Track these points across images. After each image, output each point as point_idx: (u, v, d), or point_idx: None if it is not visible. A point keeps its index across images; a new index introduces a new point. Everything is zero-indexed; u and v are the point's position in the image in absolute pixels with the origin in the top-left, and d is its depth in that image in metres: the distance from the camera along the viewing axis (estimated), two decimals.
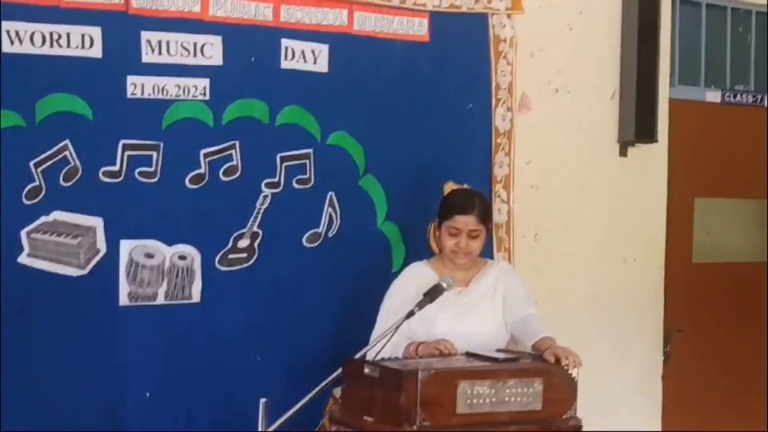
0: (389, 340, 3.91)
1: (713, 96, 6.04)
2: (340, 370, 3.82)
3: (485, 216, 4.29)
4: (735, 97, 6.07)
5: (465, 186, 4.70)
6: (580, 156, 5.44)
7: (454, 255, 4.26)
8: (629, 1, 5.48)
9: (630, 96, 5.47)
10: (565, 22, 5.36)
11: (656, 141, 5.54)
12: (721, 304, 6.04)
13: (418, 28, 4.88)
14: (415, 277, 4.27)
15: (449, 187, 4.75)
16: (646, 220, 5.68)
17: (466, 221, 4.23)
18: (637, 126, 5.46)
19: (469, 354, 3.95)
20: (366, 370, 3.74)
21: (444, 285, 4.03)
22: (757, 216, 6.25)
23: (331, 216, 4.69)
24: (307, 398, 3.74)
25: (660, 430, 5.81)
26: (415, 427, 3.56)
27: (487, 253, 4.85)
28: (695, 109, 5.93)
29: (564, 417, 3.79)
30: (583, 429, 3.85)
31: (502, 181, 5.10)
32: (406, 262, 4.60)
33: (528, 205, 5.23)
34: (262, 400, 3.66)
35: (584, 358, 5.11)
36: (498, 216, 5.07)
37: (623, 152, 5.56)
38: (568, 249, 5.41)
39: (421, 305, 3.97)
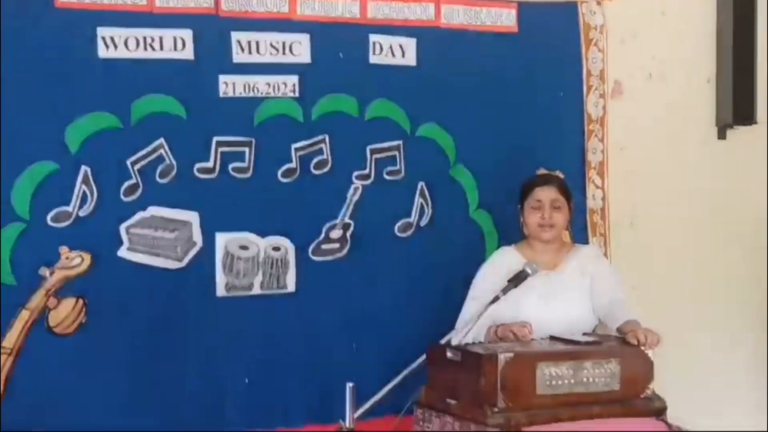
0: (474, 324, 3.99)
1: None
2: (424, 356, 3.91)
3: (565, 189, 4.36)
4: None
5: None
6: (677, 141, 5.39)
7: (541, 230, 4.30)
8: None
9: (727, 78, 5.39)
10: (657, 8, 5.31)
11: (756, 122, 5.45)
12: None
13: (506, 19, 4.92)
14: (502, 262, 4.32)
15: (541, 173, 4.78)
16: (748, 204, 5.57)
17: (547, 193, 4.31)
18: (735, 108, 5.38)
19: (552, 338, 4.00)
20: (449, 355, 3.83)
21: (529, 271, 4.09)
22: None
23: (422, 206, 4.76)
24: (392, 384, 3.82)
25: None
26: (496, 409, 3.64)
27: (581, 238, 4.91)
28: None
29: (642, 396, 3.82)
30: (685, 428, 3.84)
31: (596, 168, 5.11)
32: None
33: (623, 191, 5.20)
34: (349, 385, 3.71)
35: (685, 350, 5.11)
36: (593, 202, 5.10)
37: (722, 135, 5.49)
38: (665, 235, 5.35)
39: (505, 291, 4.04)
